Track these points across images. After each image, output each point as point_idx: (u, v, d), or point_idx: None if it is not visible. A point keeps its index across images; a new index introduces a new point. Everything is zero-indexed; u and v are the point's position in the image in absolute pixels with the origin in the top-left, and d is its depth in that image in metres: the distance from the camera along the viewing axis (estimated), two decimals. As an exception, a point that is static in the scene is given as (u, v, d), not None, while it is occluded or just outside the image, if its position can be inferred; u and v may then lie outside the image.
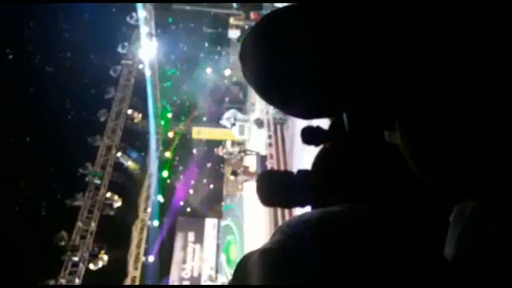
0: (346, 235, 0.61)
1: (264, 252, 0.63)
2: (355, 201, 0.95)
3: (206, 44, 17.92)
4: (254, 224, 12.64)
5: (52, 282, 12.34)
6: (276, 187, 1.51)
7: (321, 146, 1.49)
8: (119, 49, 15.79)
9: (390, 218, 0.68)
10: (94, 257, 13.21)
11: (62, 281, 12.48)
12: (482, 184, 0.59)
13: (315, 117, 0.80)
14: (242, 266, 0.69)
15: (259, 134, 14.03)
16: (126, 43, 15.89)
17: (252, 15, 15.49)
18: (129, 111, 15.72)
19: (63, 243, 12.72)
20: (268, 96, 0.72)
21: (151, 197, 16.04)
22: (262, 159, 13.47)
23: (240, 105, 17.54)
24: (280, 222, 10.85)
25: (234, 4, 15.88)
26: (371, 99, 0.67)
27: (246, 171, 12.89)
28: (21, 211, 12.18)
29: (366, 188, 1.11)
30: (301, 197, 1.43)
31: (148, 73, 16.29)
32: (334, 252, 0.58)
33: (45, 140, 12.90)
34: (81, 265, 13.00)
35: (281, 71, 0.66)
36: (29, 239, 12.17)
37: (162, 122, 18.07)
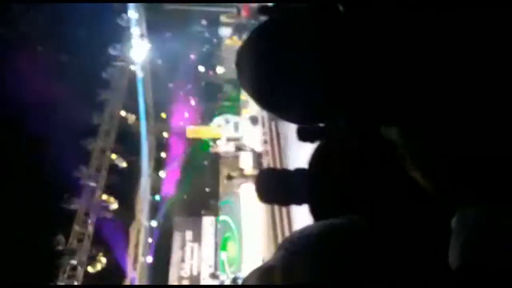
0: (347, 252, 0.61)
1: (268, 270, 0.65)
2: (352, 203, 1.07)
3: (198, 43, 17.90)
4: (251, 222, 12.71)
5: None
6: (274, 185, 1.54)
7: (317, 143, 1.48)
8: (111, 51, 15.69)
9: (390, 232, 0.68)
10: (92, 260, 13.24)
11: (61, 285, 12.47)
12: (487, 187, 0.58)
13: (311, 123, 0.81)
14: (248, 284, 0.69)
15: (254, 131, 14.06)
16: (117, 45, 15.81)
17: (243, 11, 15.47)
18: (123, 113, 15.68)
19: (60, 247, 12.76)
20: (265, 103, 0.72)
21: (147, 197, 16.07)
22: (257, 157, 13.48)
23: (233, 103, 17.59)
24: (277, 221, 10.96)
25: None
26: (371, 105, 0.67)
27: (241, 174, 12.97)
28: (17, 216, 12.10)
29: (363, 190, 1.11)
30: (298, 196, 1.44)
31: (140, 74, 16.26)
32: (335, 269, 0.59)
33: (37, 143, 12.81)
34: (79, 268, 12.99)
35: (278, 79, 0.66)
36: (26, 244, 12.12)
37: (156, 123, 18.04)
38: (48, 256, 12.59)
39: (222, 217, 14.72)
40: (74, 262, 12.79)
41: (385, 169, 0.99)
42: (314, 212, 1.29)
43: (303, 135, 1.86)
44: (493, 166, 0.57)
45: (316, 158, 1.35)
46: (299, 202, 1.47)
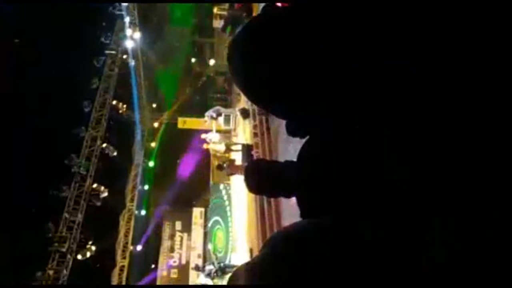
0: (321, 253, 0.62)
1: (250, 267, 0.69)
2: (336, 199, 1.00)
3: (191, 34, 17.77)
4: (241, 213, 12.79)
5: (39, 274, 12.38)
6: (263, 176, 1.54)
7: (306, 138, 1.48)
8: (102, 39, 15.53)
9: (367, 233, 0.67)
10: (82, 248, 13.34)
11: (50, 272, 12.52)
12: (455, 190, 0.59)
13: (297, 119, 0.85)
14: (233, 281, 0.73)
15: (245, 124, 14.08)
16: (109, 33, 15.67)
17: (236, 4, 15.41)
18: (114, 102, 15.66)
19: (50, 235, 12.80)
20: (253, 97, 0.76)
21: (137, 186, 16.04)
22: (248, 149, 13.55)
23: (225, 95, 17.57)
24: (266, 212, 11.11)
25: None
26: (352, 105, 0.70)
27: (232, 165, 12.89)
28: (6, 204, 12.07)
29: (347, 187, 1.04)
30: (286, 187, 1.44)
31: (132, 63, 16.18)
32: (309, 270, 0.60)
33: (29, 131, 12.74)
34: (68, 256, 13.02)
35: (264, 75, 0.69)
36: (15, 232, 12.10)
37: (147, 112, 17.97)
38: (38, 243, 12.64)
39: (211, 208, 14.77)
40: (63, 249, 12.79)
41: (366, 168, 0.96)
42: (301, 205, 1.27)
43: (292, 131, 1.88)
44: (457, 169, 0.58)
45: (303, 153, 1.32)
46: (286, 194, 1.47)
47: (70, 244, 13.08)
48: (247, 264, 0.71)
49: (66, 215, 13.20)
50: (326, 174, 1.13)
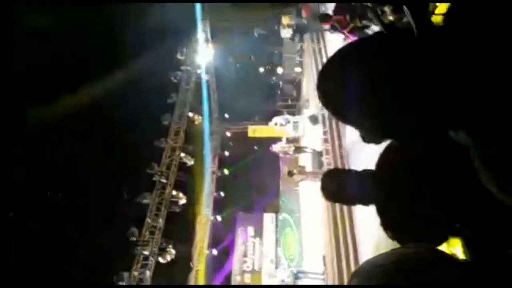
0: (416, 282, 0.64)
1: None
2: (420, 213, 1.06)
3: (259, 44, 18.21)
4: (311, 219, 12.74)
5: (126, 275, 13.26)
6: (341, 186, 1.53)
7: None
8: (178, 56, 16.56)
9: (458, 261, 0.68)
10: (162, 251, 14.00)
11: (135, 274, 13.39)
12: None
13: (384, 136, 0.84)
14: None
15: (314, 130, 14.03)
16: (184, 50, 16.62)
17: (304, 12, 15.52)
18: (190, 114, 16.49)
19: (134, 239, 13.68)
20: (347, 120, 0.80)
21: (212, 193, 16.61)
22: (317, 155, 13.44)
23: (294, 102, 17.65)
24: (338, 217, 10.89)
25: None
26: (439, 109, 0.69)
27: (302, 170, 12.95)
28: (95, 210, 13.11)
29: (431, 196, 1.07)
30: (365, 198, 1.45)
31: (205, 77, 16.98)
32: None
33: (113, 144, 13.78)
34: (151, 258, 13.81)
35: (358, 100, 0.71)
36: (104, 235, 13.13)
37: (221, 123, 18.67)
38: (124, 246, 13.53)
39: (282, 214, 14.82)
40: (146, 252, 13.64)
41: (456, 175, 0.95)
42: (381, 216, 1.29)
43: (369, 139, 1.80)
44: None
45: (383, 161, 1.32)
46: (365, 204, 1.46)
47: (152, 248, 13.88)
48: None
49: (149, 220, 14.03)
50: (412, 190, 1.14)
